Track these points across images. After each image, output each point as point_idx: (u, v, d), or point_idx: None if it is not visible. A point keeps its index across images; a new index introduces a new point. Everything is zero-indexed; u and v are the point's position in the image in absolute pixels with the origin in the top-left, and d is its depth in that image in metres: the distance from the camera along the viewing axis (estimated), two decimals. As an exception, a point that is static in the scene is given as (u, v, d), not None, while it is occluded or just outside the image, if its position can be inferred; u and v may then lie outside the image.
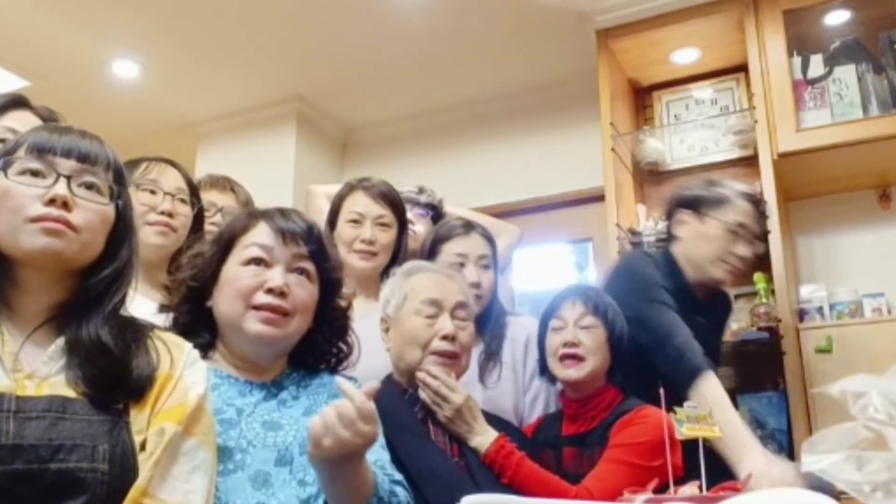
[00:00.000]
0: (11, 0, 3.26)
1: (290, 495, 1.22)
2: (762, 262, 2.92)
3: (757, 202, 2.16)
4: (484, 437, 1.61)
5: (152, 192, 1.77)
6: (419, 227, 2.29)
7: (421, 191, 2.41)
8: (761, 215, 2.17)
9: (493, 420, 1.75)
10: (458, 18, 3.41)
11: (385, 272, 2.01)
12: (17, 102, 1.73)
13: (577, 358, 1.74)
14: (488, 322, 2.01)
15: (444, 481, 1.47)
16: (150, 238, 1.71)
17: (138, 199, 1.72)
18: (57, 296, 1.11)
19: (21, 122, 1.67)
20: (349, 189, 2.14)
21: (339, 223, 2.10)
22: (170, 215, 1.76)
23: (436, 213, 2.39)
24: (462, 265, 1.95)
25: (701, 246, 2.08)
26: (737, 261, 2.05)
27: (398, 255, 2.09)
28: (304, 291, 1.35)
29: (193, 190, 1.87)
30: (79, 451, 0.99)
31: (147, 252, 1.66)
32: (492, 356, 1.94)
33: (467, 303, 1.71)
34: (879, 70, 2.99)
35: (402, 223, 2.14)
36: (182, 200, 1.81)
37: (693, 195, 2.15)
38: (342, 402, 1.15)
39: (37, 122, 1.70)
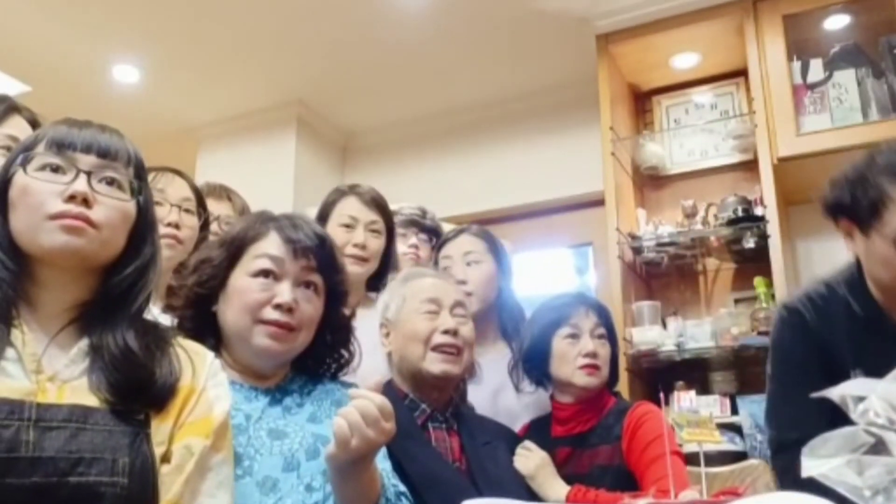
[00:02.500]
0: (12, 6, 3.27)
1: (297, 500, 1.23)
2: (762, 267, 2.93)
3: None
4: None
5: (159, 203, 1.75)
6: (423, 253, 2.30)
7: (424, 214, 2.42)
8: None
9: (491, 423, 1.75)
10: (459, 23, 3.41)
11: (372, 281, 2.03)
12: (10, 108, 1.72)
13: (596, 367, 1.79)
14: (513, 328, 2.02)
15: (445, 486, 1.47)
16: None
17: None
18: (79, 294, 1.09)
19: (20, 128, 1.66)
20: (340, 194, 2.14)
21: (329, 226, 2.08)
22: (176, 226, 1.75)
23: (438, 237, 2.40)
24: (448, 268, 1.99)
25: (877, 269, 1.51)
26: None
27: (387, 264, 2.10)
28: (311, 306, 1.35)
29: (200, 199, 1.86)
30: (99, 465, 0.97)
31: None
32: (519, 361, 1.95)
33: (465, 302, 1.73)
34: (879, 74, 2.99)
35: (391, 232, 2.15)
36: (188, 211, 1.81)
37: (842, 199, 1.53)
38: (361, 402, 1.16)
39: (29, 129, 1.69)
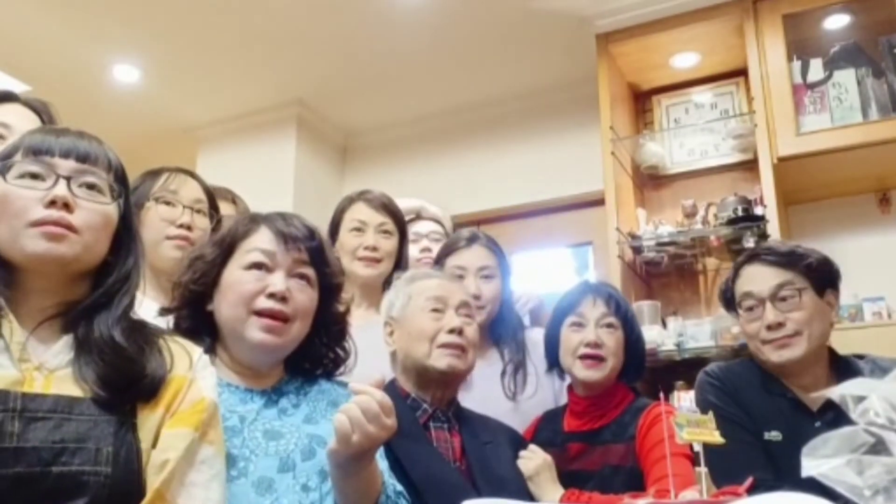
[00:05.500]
0: (13, 5, 3.27)
1: (293, 501, 1.23)
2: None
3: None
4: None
5: (171, 204, 1.75)
6: (435, 250, 2.30)
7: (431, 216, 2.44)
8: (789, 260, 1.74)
9: (493, 423, 1.75)
10: (459, 23, 3.41)
11: (387, 283, 2.02)
12: (5, 97, 1.70)
13: (599, 358, 1.74)
14: (507, 335, 2.01)
15: (445, 487, 1.47)
16: (169, 252, 1.70)
17: (157, 213, 1.72)
18: (63, 297, 1.10)
19: (13, 114, 1.65)
20: (350, 201, 2.18)
21: (342, 233, 2.13)
22: (188, 228, 1.74)
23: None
24: (461, 277, 1.95)
25: (748, 342, 1.78)
26: (770, 332, 1.69)
27: (400, 265, 2.10)
28: (305, 296, 1.35)
29: (212, 201, 1.85)
30: (82, 454, 0.98)
31: (165, 264, 1.66)
32: (518, 369, 1.95)
33: (471, 303, 1.73)
34: (879, 74, 3.00)
35: (403, 233, 2.17)
36: (200, 212, 1.79)
37: (728, 299, 1.82)
38: (362, 398, 1.16)
39: (29, 114, 1.68)
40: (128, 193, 1.17)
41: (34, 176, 1.08)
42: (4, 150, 1.13)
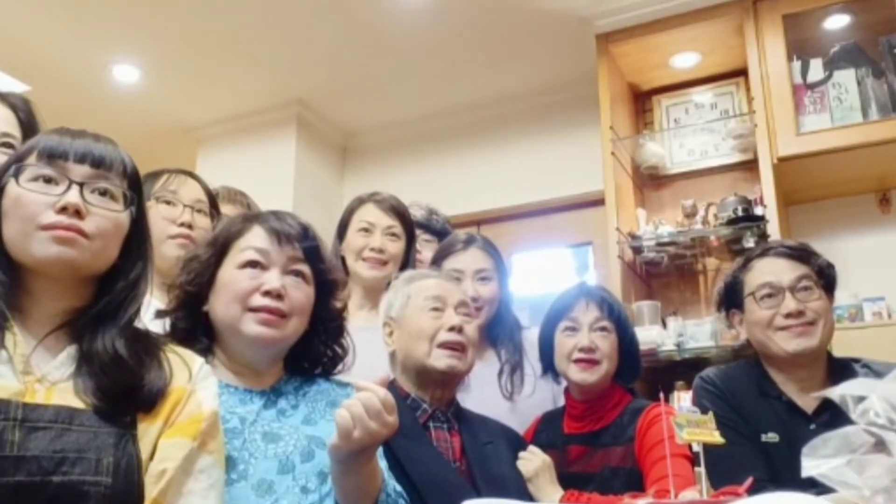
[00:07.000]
0: (12, 6, 3.27)
1: (293, 502, 1.23)
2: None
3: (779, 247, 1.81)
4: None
5: (172, 204, 1.76)
6: (427, 255, 2.30)
7: (431, 214, 2.43)
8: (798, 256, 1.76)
9: (492, 423, 1.75)
10: (458, 23, 3.41)
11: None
12: None
13: (593, 362, 1.75)
14: (504, 335, 2.01)
15: (445, 487, 1.47)
16: (170, 251, 1.69)
17: (158, 212, 1.73)
18: (70, 302, 1.10)
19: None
20: (359, 202, 2.18)
21: (349, 233, 2.14)
22: (189, 227, 1.75)
23: (444, 237, 2.40)
24: (459, 280, 1.95)
25: (755, 332, 1.76)
26: (789, 320, 1.70)
27: (406, 269, 2.10)
28: (301, 293, 1.35)
29: (213, 201, 1.86)
30: (82, 464, 0.98)
31: (167, 264, 1.66)
32: (515, 369, 1.95)
33: (469, 302, 1.73)
34: (879, 74, 3.00)
35: (411, 236, 2.17)
36: (201, 212, 1.80)
37: (719, 290, 1.87)
38: (365, 394, 1.17)
39: (7, 114, 1.64)
40: (141, 199, 1.17)
41: (47, 180, 1.08)
42: (19, 151, 1.13)
